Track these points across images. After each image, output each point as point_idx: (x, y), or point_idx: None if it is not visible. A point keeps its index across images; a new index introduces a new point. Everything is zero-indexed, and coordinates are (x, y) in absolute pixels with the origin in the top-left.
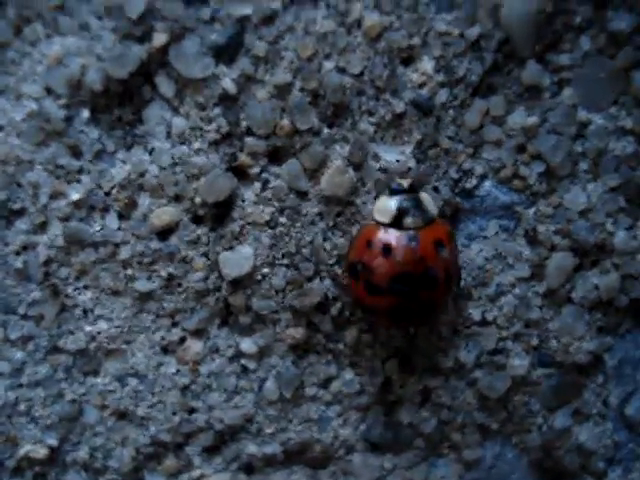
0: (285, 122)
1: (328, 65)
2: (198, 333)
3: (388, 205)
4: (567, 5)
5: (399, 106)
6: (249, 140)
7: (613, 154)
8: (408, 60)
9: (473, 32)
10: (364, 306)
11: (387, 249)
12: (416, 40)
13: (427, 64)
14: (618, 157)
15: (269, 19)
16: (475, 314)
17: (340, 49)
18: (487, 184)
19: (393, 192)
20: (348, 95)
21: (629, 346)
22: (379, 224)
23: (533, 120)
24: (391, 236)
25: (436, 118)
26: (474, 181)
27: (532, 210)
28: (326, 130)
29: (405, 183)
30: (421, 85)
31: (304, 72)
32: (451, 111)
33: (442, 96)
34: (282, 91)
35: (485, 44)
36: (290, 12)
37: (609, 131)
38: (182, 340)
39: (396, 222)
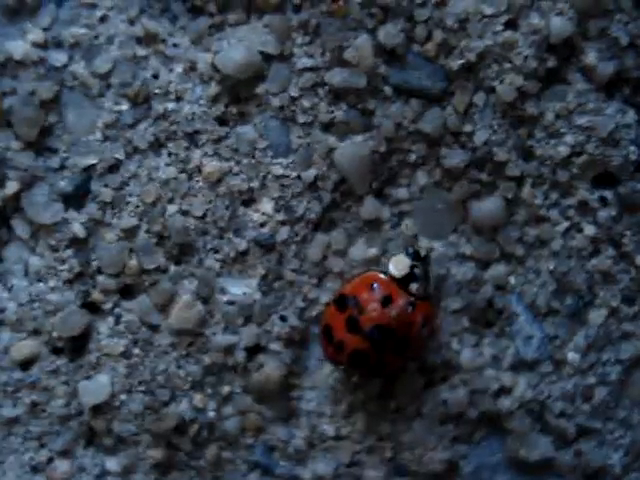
0: (133, 262)
1: (171, 209)
2: (65, 454)
3: (405, 263)
4: (402, 144)
5: (242, 245)
6: (100, 278)
7: (455, 279)
8: (249, 201)
9: (309, 174)
10: (332, 339)
11: (387, 300)
12: (255, 183)
13: (267, 205)
14: (459, 282)
15: (114, 167)
16: (329, 430)
17: (182, 194)
18: None
19: (411, 255)
20: (193, 235)
21: (485, 452)
22: (388, 276)
23: (373, 251)
24: (396, 292)
25: (279, 254)
26: (319, 309)
27: None
28: (173, 267)
29: (423, 252)
30: (262, 224)
31: (149, 216)
32: (293, 246)
33: (283, 234)
34: (129, 234)
35: (322, 184)
36: (134, 161)
37: (450, 257)
38: (50, 460)
39: (403, 281)
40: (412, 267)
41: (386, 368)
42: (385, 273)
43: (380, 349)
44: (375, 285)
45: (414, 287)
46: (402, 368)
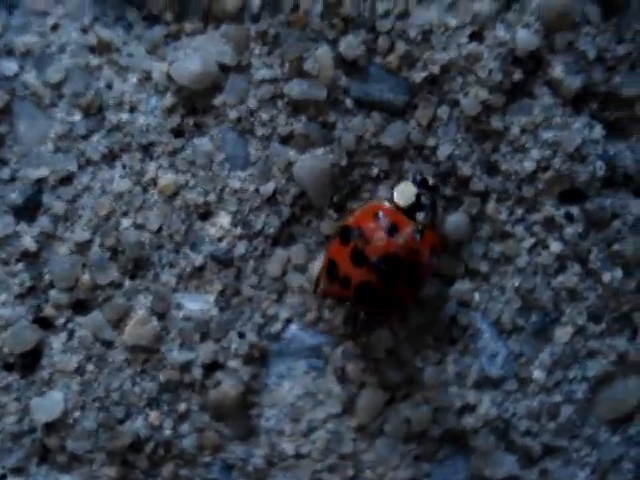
0: (86, 277)
1: (126, 222)
2: (18, 471)
3: (411, 192)
4: (363, 158)
5: (198, 259)
6: (53, 293)
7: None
8: (205, 215)
9: (268, 188)
10: (337, 274)
11: (393, 229)
12: (212, 197)
13: (224, 219)
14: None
15: (66, 179)
16: (289, 449)
17: (137, 207)
18: (293, 327)
19: (417, 183)
20: (148, 249)
21: (449, 471)
22: (393, 205)
23: None
24: (402, 220)
25: (237, 269)
26: (279, 325)
27: (339, 350)
28: (128, 282)
29: (431, 181)
30: (219, 239)
31: (102, 229)
32: (251, 261)
33: (241, 248)
34: (82, 247)
35: (281, 198)
36: (87, 173)
37: None
38: (3, 477)
39: (409, 211)
40: (418, 195)
41: (396, 303)
42: (390, 202)
43: (389, 281)
44: (380, 214)
45: (420, 216)
46: (410, 304)
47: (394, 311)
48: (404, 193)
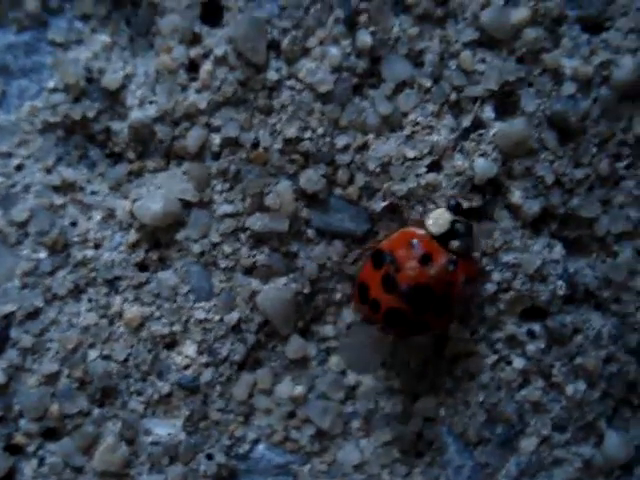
0: (55, 407)
1: (93, 354)
2: None
3: (445, 218)
4: (326, 284)
5: (165, 388)
6: (23, 422)
7: (384, 412)
8: (171, 345)
9: (232, 317)
10: (367, 298)
11: (427, 258)
12: (177, 327)
13: (190, 348)
14: (389, 414)
15: (34, 314)
16: None
17: (104, 339)
18: (260, 447)
19: (452, 208)
20: (115, 379)
21: None
22: (426, 232)
23: (299, 390)
24: (436, 250)
25: (203, 395)
26: (247, 446)
27: (307, 467)
28: (97, 410)
29: (465, 204)
30: (185, 367)
31: (70, 361)
32: (218, 387)
33: (207, 375)
34: (50, 379)
35: (245, 327)
36: (54, 307)
37: (379, 391)
38: None
39: (442, 238)
40: (453, 222)
41: (426, 328)
42: (424, 228)
43: (419, 310)
44: (414, 242)
45: (455, 244)
46: (442, 331)
47: (424, 334)
48: (438, 220)
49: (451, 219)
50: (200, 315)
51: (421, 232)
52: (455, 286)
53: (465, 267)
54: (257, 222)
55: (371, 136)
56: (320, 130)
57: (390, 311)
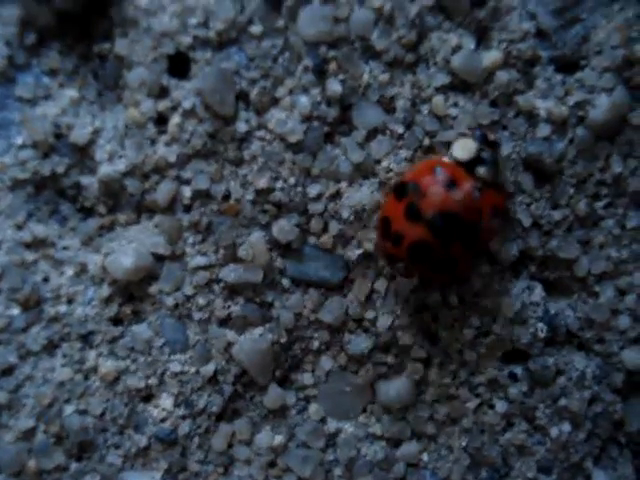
0: (32, 462)
1: (69, 409)
2: None
3: (471, 145)
4: (303, 333)
5: (142, 440)
6: (0, 478)
7: (366, 459)
8: (147, 398)
9: (208, 369)
10: (389, 231)
11: (452, 184)
12: (153, 380)
13: (166, 400)
14: (371, 461)
15: (8, 370)
16: None
17: (79, 394)
18: None
19: (478, 138)
20: (92, 433)
21: None
22: (452, 159)
23: (279, 439)
24: (461, 175)
25: (182, 447)
26: None
27: None
28: (75, 465)
29: (492, 136)
30: (162, 420)
31: (46, 417)
32: (196, 439)
33: (185, 427)
34: (27, 435)
35: (222, 378)
36: (28, 363)
37: (360, 438)
38: None
39: (469, 165)
40: (479, 150)
41: (452, 266)
42: (450, 157)
43: (445, 240)
44: (438, 169)
45: (481, 171)
46: (466, 273)
47: (449, 276)
48: (464, 147)
49: (477, 147)
50: (176, 368)
51: (445, 159)
52: (482, 215)
53: (492, 196)
54: (231, 273)
55: (344, 184)
56: (292, 180)
57: (415, 245)
